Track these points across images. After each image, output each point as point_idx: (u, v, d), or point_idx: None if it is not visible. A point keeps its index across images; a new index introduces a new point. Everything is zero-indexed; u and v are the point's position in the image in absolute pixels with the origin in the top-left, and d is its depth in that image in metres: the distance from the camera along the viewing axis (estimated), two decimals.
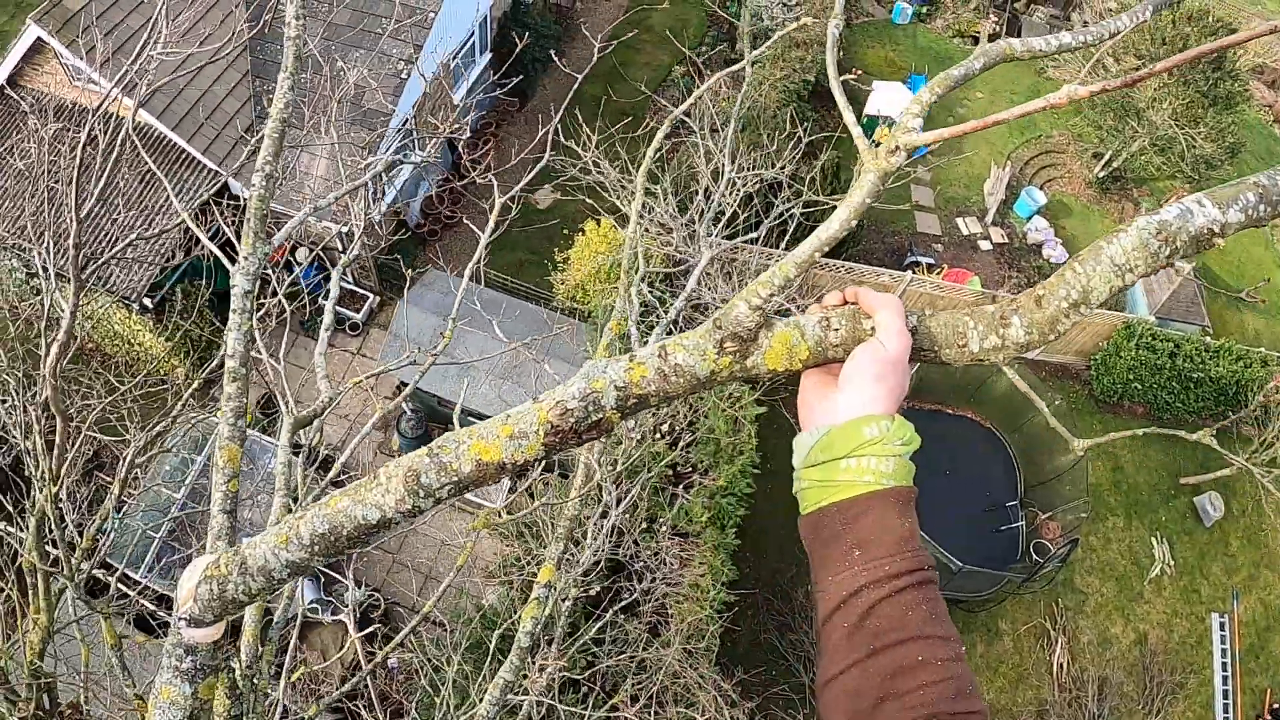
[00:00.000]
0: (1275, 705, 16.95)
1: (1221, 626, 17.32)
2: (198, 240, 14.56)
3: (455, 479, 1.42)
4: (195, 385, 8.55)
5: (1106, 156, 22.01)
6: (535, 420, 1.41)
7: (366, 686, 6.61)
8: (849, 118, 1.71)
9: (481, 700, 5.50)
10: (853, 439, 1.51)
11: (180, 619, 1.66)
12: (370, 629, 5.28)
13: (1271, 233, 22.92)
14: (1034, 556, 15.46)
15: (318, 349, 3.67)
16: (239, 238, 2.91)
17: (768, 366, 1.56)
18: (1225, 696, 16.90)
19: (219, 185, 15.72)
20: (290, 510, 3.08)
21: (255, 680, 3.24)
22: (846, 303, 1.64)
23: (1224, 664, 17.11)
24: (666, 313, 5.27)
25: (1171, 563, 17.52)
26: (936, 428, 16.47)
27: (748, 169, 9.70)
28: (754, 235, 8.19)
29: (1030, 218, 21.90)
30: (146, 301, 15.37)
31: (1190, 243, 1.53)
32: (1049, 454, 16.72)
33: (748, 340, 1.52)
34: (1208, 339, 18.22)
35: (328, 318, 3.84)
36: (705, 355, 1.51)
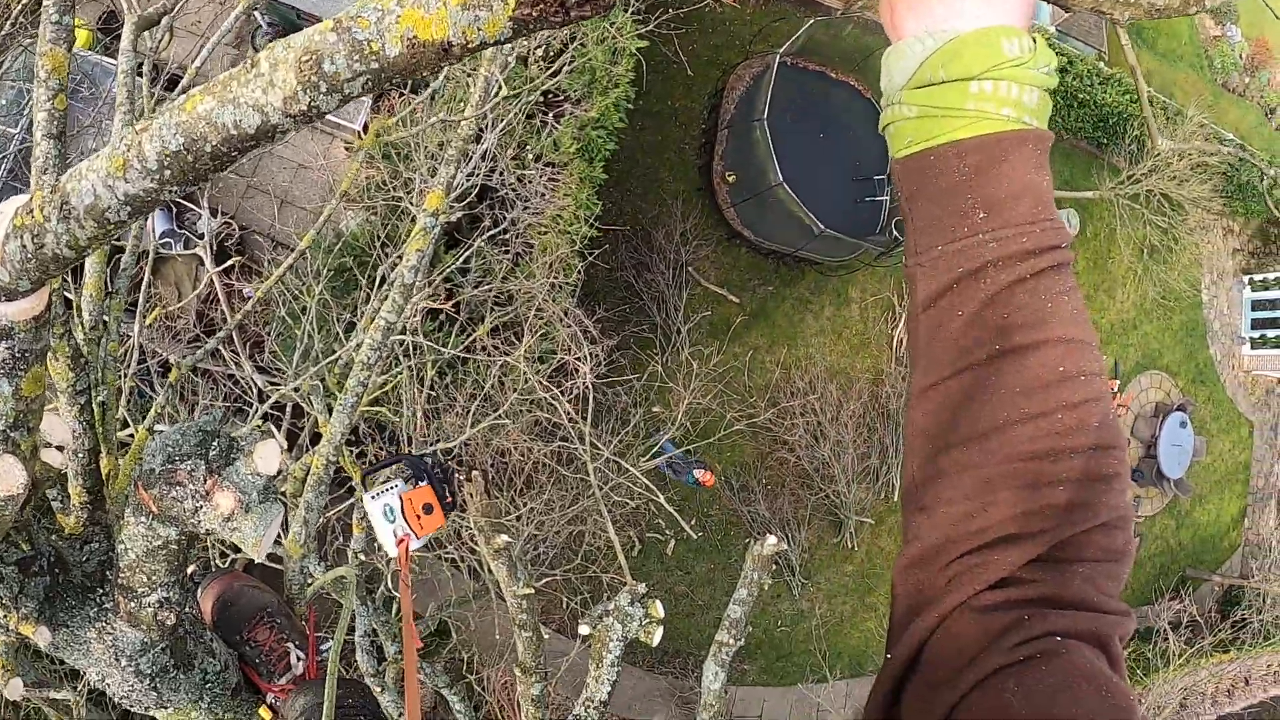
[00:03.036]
0: None
1: None
2: None
3: (375, 66, 0.92)
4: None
5: None
6: None
7: (224, 320, 6.20)
8: None
9: (351, 337, 5.17)
10: (988, 54, 1.02)
11: None
12: (229, 262, 4.80)
13: None
14: (894, 232, 15.54)
15: None
16: None
17: None
18: None
19: None
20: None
21: (104, 342, 2.73)
22: None
23: None
24: None
25: None
26: (818, 88, 15.93)
27: None
28: None
29: None
30: None
31: None
32: None
33: None
34: (1101, 65, 17.79)
35: None
36: None
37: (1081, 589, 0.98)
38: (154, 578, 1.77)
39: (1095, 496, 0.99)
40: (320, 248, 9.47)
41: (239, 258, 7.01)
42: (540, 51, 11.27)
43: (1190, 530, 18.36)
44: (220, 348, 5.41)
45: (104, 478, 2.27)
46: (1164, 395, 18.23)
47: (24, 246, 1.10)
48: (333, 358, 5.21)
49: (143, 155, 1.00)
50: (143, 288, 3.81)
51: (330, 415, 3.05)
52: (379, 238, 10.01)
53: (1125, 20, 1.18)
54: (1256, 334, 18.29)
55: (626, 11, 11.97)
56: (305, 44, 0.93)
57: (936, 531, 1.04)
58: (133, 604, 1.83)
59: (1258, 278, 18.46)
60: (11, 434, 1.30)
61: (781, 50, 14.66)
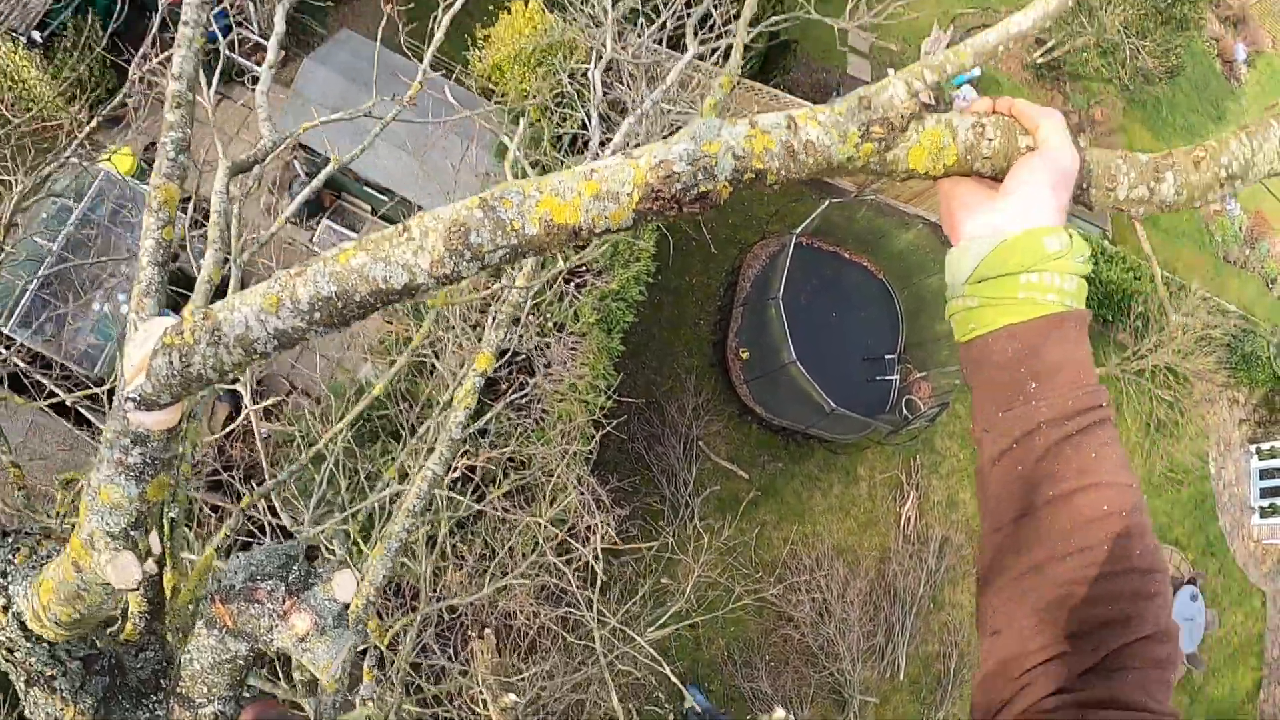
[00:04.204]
0: None
1: None
2: None
3: (514, 241, 1.11)
4: (95, 123, 7.68)
5: (1049, 44, 21.38)
6: (630, 179, 1.10)
7: (243, 457, 6.34)
8: None
9: (375, 489, 5.29)
10: (1033, 252, 1.30)
11: (128, 399, 1.26)
12: (265, 403, 4.96)
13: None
14: (904, 411, 15.72)
15: (260, 86, 3.17)
16: None
17: (908, 165, 1.31)
18: None
19: None
20: (223, 267, 2.69)
21: (180, 462, 2.88)
22: (996, 112, 1.41)
23: None
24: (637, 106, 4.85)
25: None
26: (832, 269, 16.37)
27: None
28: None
29: (960, 85, 21.27)
30: (35, 35, 13.83)
31: None
32: (933, 317, 16.83)
33: (897, 129, 1.26)
34: (1106, 243, 18.33)
35: (272, 54, 3.33)
36: (845, 137, 1.22)
37: (1132, 693, 1.17)
38: (214, 690, 1.86)
39: (1140, 612, 1.20)
40: (341, 397, 9.64)
41: (266, 402, 7.10)
42: None
43: (1204, 705, 17.73)
44: (240, 486, 5.52)
45: (168, 591, 2.36)
46: (1174, 570, 18.00)
47: (170, 363, 1.22)
48: (356, 508, 5.33)
49: (296, 297, 1.16)
50: None
51: (350, 558, 3.15)
52: (400, 394, 10.16)
53: (1140, 214, 1.41)
54: (1265, 503, 18.23)
55: None
56: (454, 216, 1.11)
57: (1006, 650, 1.26)
58: (188, 713, 1.91)
59: (1265, 446, 18.51)
60: (132, 532, 1.43)
61: (798, 230, 15.08)
